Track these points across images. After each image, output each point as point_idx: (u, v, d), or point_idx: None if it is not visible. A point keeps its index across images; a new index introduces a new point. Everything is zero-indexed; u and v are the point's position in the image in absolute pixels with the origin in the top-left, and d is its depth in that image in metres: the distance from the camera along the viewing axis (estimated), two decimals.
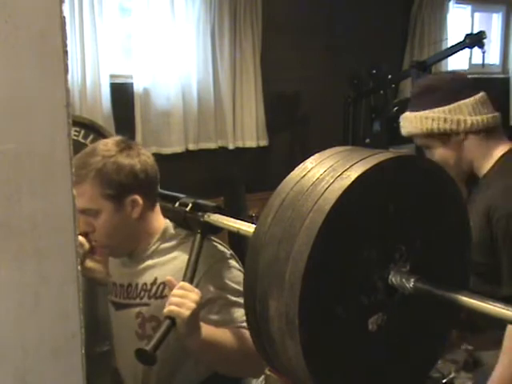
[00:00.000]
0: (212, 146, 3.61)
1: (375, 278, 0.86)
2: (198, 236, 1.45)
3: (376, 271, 0.86)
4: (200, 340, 1.33)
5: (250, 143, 3.69)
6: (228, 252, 1.56)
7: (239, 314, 1.46)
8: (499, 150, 1.75)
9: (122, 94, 3.27)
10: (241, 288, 1.47)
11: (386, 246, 0.87)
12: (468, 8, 4.92)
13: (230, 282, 1.50)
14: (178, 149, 3.46)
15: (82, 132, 2.47)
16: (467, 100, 1.73)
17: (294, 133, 4.04)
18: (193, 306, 1.28)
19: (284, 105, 3.93)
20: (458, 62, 4.73)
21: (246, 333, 1.37)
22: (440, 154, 1.74)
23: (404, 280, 0.85)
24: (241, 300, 1.45)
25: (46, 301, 0.74)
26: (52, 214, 0.73)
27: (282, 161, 3.92)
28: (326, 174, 0.84)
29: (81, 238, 1.58)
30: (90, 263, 1.69)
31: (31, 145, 0.71)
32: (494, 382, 1.55)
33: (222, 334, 1.42)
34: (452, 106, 1.71)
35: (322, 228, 0.78)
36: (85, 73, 3.09)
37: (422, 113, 1.70)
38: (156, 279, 1.54)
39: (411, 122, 1.74)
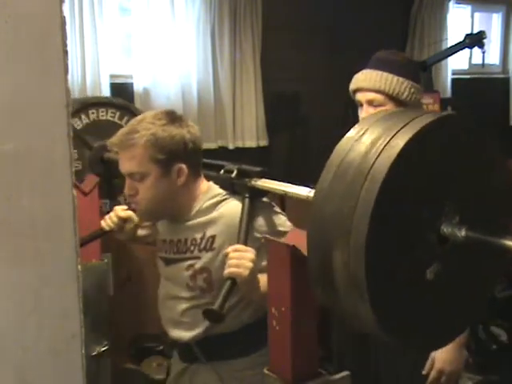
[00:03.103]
0: (212, 145, 3.61)
1: (429, 231, 0.95)
2: (247, 200, 1.53)
3: (430, 225, 0.94)
4: (261, 293, 1.42)
5: (250, 143, 3.69)
6: (268, 200, 1.65)
7: None
8: None
9: (122, 93, 3.26)
10: (288, 230, 1.58)
11: (438, 201, 0.95)
12: (468, 8, 4.91)
13: (278, 227, 1.60)
14: None
15: (118, 113, 2.55)
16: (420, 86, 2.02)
17: (294, 133, 4.03)
18: (250, 264, 1.38)
19: (284, 105, 3.93)
20: (457, 62, 4.72)
21: None
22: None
23: (456, 230, 0.93)
24: None
25: (46, 301, 0.74)
26: (52, 214, 0.73)
27: (282, 161, 3.92)
28: (376, 140, 0.93)
29: (130, 213, 1.72)
30: (140, 232, 1.81)
31: (31, 145, 0.71)
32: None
33: None
34: (419, 85, 1.98)
35: (380, 190, 0.86)
36: (85, 73, 3.08)
37: (400, 78, 1.93)
38: (205, 234, 1.63)
39: (386, 79, 1.92)
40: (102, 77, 3.13)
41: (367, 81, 1.95)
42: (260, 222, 1.59)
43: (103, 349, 2.01)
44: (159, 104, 3.33)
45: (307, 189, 1.33)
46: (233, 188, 1.61)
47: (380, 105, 1.94)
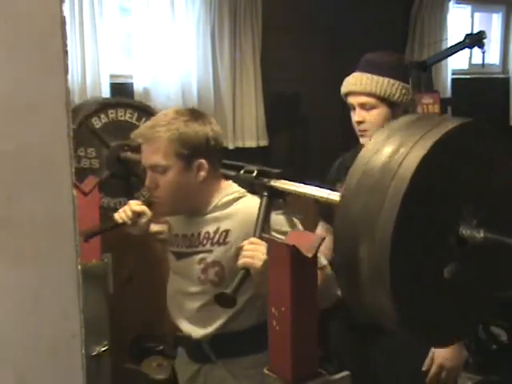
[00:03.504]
0: None
1: (449, 232, 1.00)
2: (265, 198, 1.55)
3: (449, 226, 1.00)
4: None
5: (250, 143, 3.68)
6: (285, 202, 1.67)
7: None
8: None
9: (122, 93, 3.26)
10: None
11: (457, 204, 1.00)
12: (468, 8, 4.91)
13: (293, 227, 1.63)
14: None
15: (136, 115, 2.58)
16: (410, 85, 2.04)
17: (294, 133, 4.03)
18: (263, 257, 1.41)
19: (284, 105, 3.93)
20: (457, 62, 4.72)
21: None
22: (379, 115, 1.96)
23: (474, 232, 0.98)
24: None
25: (46, 301, 0.74)
26: (52, 214, 0.73)
27: (282, 161, 3.91)
28: (404, 141, 0.98)
29: (144, 207, 1.76)
30: (154, 228, 1.84)
31: (31, 145, 0.71)
32: None
33: None
34: (409, 85, 2.00)
35: (407, 188, 0.92)
36: (85, 73, 3.08)
37: (391, 80, 1.94)
38: (219, 228, 1.66)
39: (377, 82, 1.94)
40: (102, 77, 3.13)
41: (358, 84, 1.97)
42: (276, 220, 1.61)
43: (103, 349, 2.01)
44: (159, 104, 3.33)
45: (327, 190, 1.37)
46: (252, 188, 1.64)
47: (372, 107, 1.96)
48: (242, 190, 1.68)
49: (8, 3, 0.68)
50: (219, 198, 1.68)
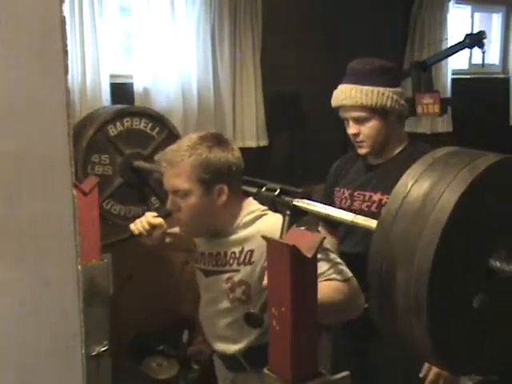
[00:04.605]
0: None
1: (479, 263, 1.02)
2: (287, 218, 1.54)
3: (481, 257, 1.02)
4: None
5: (250, 143, 3.68)
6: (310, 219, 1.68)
7: (325, 268, 1.55)
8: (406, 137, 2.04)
9: (122, 93, 3.27)
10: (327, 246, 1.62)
11: (491, 236, 1.03)
12: (468, 8, 4.92)
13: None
14: None
15: (150, 124, 2.61)
16: (401, 87, 2.01)
17: (294, 133, 4.03)
18: None
19: (284, 105, 3.93)
20: (457, 62, 4.72)
21: (336, 283, 1.53)
22: (374, 127, 1.94)
23: (504, 264, 1.00)
24: (324, 256, 1.56)
25: (47, 301, 0.74)
26: (52, 214, 0.73)
27: (282, 161, 3.92)
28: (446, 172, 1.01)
29: (160, 220, 1.81)
30: (168, 239, 1.90)
31: (31, 145, 0.71)
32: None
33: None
34: (400, 89, 1.96)
35: (447, 222, 0.95)
36: (85, 73, 3.08)
37: (380, 89, 1.90)
38: (243, 248, 1.68)
39: (366, 94, 1.90)
40: (102, 77, 3.13)
41: (348, 98, 1.93)
42: None
43: (103, 349, 2.01)
44: (159, 104, 3.33)
45: (351, 214, 1.36)
46: (274, 206, 1.63)
47: (365, 120, 1.93)
48: (263, 208, 1.69)
49: (8, 3, 0.68)
50: (241, 218, 1.70)
